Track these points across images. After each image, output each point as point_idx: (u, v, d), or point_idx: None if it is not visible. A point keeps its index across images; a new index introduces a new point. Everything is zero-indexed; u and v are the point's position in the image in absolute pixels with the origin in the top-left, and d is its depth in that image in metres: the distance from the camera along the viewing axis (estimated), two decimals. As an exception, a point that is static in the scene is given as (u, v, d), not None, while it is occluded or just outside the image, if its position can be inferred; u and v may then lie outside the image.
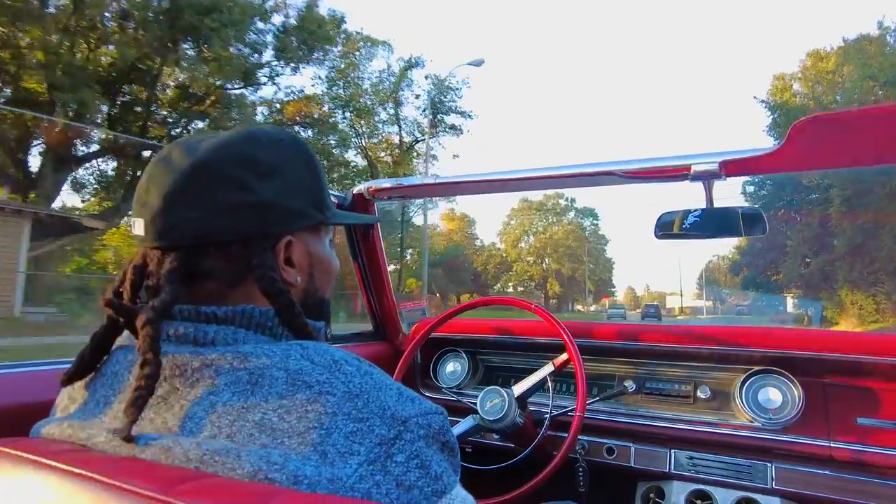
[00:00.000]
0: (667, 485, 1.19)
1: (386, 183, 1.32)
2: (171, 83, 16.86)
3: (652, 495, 1.21)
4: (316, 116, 21.25)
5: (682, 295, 64.81)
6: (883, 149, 0.89)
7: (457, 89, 24.48)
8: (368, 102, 23.53)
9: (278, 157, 0.54)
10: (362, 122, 23.69)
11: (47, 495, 0.39)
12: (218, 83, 16.61)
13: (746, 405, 1.15)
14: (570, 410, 1.15)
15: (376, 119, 24.21)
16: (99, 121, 15.58)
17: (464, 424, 1.19)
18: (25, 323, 10.95)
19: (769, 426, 1.12)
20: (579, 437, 1.17)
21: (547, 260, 48.12)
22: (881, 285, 18.89)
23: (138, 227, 0.51)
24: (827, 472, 1.05)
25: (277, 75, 19.09)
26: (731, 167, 0.96)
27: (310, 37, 18.46)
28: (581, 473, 1.22)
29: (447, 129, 25.28)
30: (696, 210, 1.00)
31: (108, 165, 17.66)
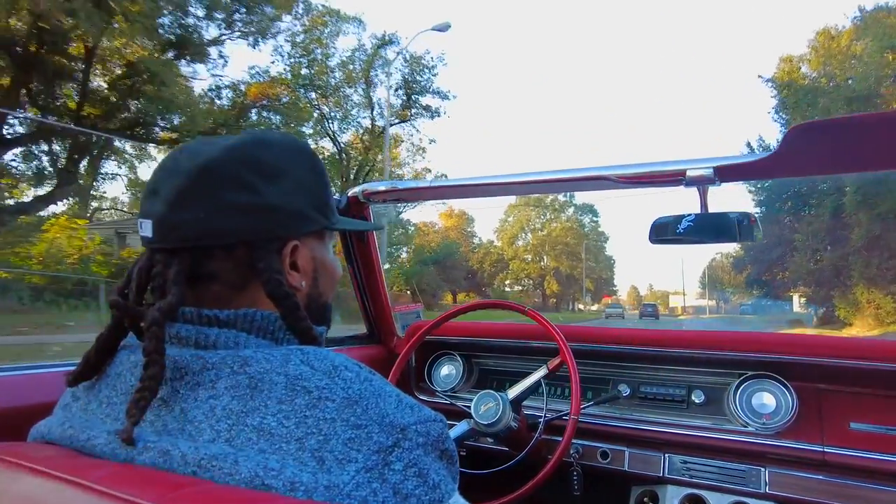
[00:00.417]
0: (661, 489, 1.20)
1: (381, 186, 1.32)
2: (82, 46, 13.27)
3: (646, 499, 1.22)
4: (286, 101, 18.58)
5: (685, 294, 64.92)
6: (879, 155, 0.89)
7: (432, 66, 21.39)
8: (335, 82, 20.75)
9: (284, 161, 0.55)
10: (330, 102, 20.99)
11: (42, 503, 0.39)
12: (137, 49, 13.47)
13: (740, 410, 1.15)
14: (565, 414, 1.15)
15: (347, 104, 21.40)
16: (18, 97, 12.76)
17: (458, 428, 1.19)
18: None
19: (763, 431, 1.12)
20: (573, 440, 1.18)
21: (545, 258, 47.98)
22: (902, 282, 16.76)
23: (146, 228, 0.51)
24: (820, 477, 1.05)
25: (217, 43, 15.98)
26: (725, 172, 0.96)
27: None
28: (575, 477, 1.22)
29: (422, 111, 21.95)
30: (689, 215, 0.99)
31: (41, 149, 14.97)
